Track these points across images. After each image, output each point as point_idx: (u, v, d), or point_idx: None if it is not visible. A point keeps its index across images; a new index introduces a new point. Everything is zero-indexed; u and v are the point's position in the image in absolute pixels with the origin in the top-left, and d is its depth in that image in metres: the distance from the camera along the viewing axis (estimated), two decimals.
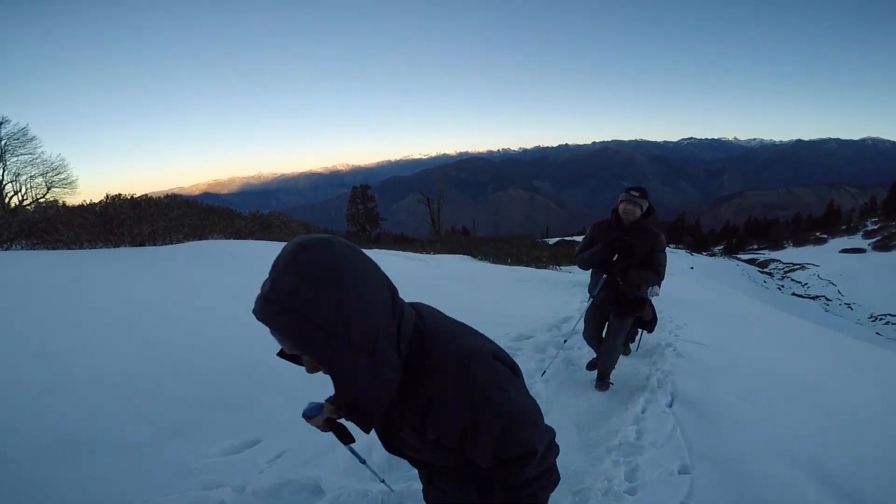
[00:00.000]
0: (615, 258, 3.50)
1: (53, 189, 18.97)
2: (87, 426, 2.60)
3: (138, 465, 2.37)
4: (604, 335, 3.88)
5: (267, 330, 0.80)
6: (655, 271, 3.49)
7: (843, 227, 60.12)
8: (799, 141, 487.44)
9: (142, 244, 8.37)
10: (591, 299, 3.77)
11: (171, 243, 8.73)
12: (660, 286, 5.13)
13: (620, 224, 3.47)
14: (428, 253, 16.30)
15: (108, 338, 3.76)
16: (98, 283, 5.18)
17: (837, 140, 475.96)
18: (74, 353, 3.41)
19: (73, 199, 18.71)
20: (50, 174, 18.87)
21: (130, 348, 3.62)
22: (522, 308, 6.82)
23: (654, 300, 5.07)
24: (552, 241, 40.42)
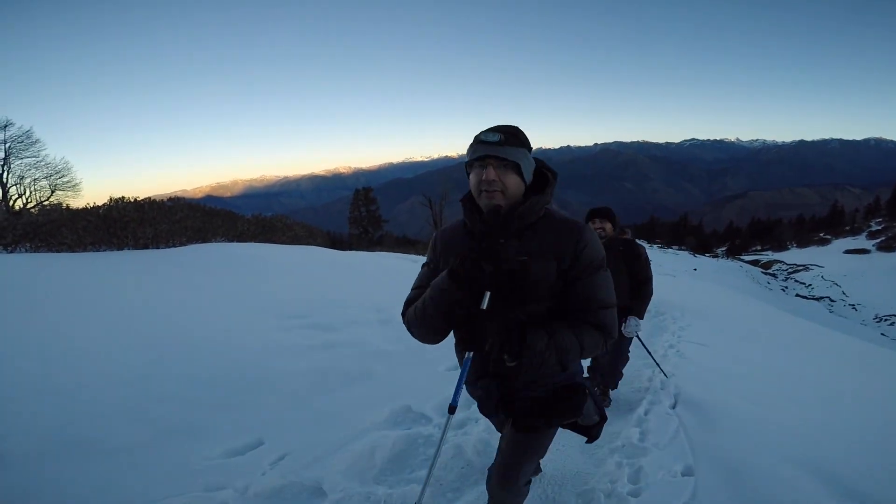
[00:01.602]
0: (485, 303, 1.47)
1: (57, 192, 19.04)
2: (89, 427, 2.61)
3: (140, 466, 2.37)
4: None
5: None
6: (595, 325, 1.50)
7: (847, 228, 59.85)
8: (802, 141, 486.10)
9: (145, 247, 8.39)
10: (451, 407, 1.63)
11: (175, 246, 8.76)
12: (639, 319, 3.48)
13: (484, 220, 1.49)
14: None
15: (110, 340, 3.77)
16: (101, 285, 5.19)
17: (840, 140, 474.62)
18: (76, 354, 3.42)
19: (76, 202, 18.82)
20: (54, 177, 18.95)
21: (132, 350, 3.63)
22: None
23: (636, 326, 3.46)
24: None
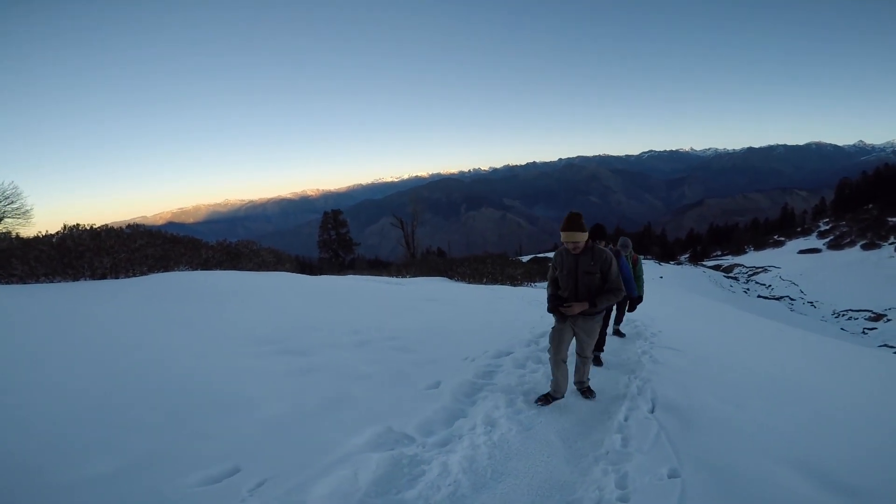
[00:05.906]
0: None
1: (6, 219, 18.01)
2: (56, 459, 2.44)
3: (112, 498, 2.21)
4: None
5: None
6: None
7: (799, 229, 62.96)
8: (750, 148, 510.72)
9: (103, 277, 8.01)
10: None
11: (135, 275, 8.39)
12: None
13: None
14: (404, 276, 16.21)
15: (72, 372, 3.55)
16: (57, 317, 4.91)
17: (785, 146, 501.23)
18: (36, 386, 3.21)
19: (27, 231, 17.82)
20: (2, 203, 17.94)
21: (98, 381, 3.42)
22: (500, 326, 6.82)
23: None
24: (526, 258, 40.91)
